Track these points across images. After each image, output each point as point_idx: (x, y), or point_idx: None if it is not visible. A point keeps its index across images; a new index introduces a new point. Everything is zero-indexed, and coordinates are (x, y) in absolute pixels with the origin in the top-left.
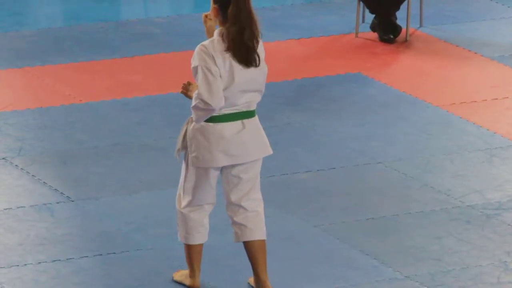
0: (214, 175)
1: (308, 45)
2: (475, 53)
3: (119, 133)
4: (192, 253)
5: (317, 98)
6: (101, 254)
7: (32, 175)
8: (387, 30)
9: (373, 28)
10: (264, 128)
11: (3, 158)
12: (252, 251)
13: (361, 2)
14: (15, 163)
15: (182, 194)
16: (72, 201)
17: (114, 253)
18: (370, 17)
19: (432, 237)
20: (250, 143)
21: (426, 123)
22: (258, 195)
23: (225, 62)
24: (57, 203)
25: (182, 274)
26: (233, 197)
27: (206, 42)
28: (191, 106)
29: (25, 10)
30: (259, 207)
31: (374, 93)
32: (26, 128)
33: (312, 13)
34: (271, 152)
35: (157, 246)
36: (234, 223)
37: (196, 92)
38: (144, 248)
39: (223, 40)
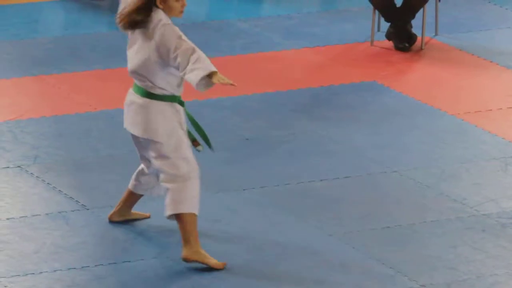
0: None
1: (324, 53)
2: (491, 61)
3: None
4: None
5: (333, 107)
6: (115, 262)
7: (48, 183)
8: (403, 39)
9: (388, 36)
10: (279, 136)
11: (18, 166)
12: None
13: (376, 11)
14: (31, 171)
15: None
16: (87, 209)
17: (129, 261)
18: (385, 25)
19: (447, 246)
20: (130, 116)
21: (442, 132)
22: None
23: None
24: (72, 211)
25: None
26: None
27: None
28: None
29: (41, 17)
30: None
31: (389, 101)
32: (42, 136)
33: (327, 21)
34: (145, 136)
35: (173, 254)
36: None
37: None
38: (159, 256)
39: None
